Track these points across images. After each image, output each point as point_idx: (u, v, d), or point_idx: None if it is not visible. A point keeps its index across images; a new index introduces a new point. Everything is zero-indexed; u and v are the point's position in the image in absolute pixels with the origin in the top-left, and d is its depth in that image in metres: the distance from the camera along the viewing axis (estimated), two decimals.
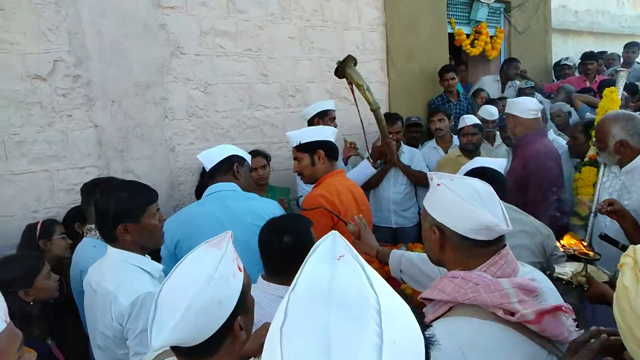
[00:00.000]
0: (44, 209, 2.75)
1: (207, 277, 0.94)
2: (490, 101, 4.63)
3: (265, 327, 1.29)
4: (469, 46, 5.45)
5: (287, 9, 3.76)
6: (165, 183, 3.19)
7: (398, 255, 1.89)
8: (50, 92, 2.75)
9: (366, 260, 0.69)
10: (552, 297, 1.26)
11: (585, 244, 1.84)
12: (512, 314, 1.11)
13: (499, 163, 2.13)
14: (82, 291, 1.81)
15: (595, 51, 6.78)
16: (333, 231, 0.72)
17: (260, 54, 3.64)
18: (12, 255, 2.15)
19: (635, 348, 0.88)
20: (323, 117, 3.34)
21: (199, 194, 2.98)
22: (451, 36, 5.29)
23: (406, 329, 0.62)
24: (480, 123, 3.84)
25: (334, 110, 3.48)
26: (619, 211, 2.28)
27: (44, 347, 1.89)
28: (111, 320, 1.56)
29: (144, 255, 1.71)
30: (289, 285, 0.66)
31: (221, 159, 2.20)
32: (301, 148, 2.32)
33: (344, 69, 3.13)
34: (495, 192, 1.23)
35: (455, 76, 4.74)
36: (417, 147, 4.22)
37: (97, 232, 2.04)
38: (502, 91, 5.53)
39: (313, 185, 2.39)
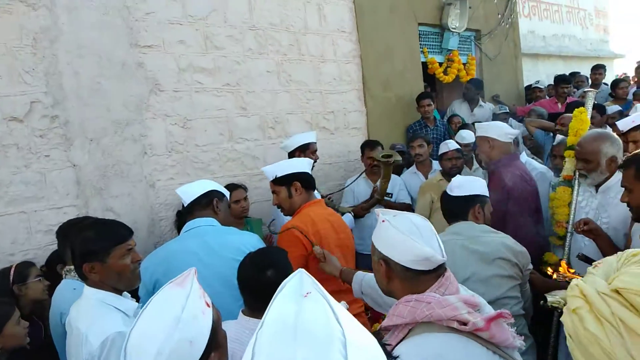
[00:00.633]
0: (20, 252, 2.70)
1: (174, 318, 0.93)
2: (464, 126, 4.77)
3: None
4: (442, 74, 5.61)
5: (264, 44, 3.85)
6: (145, 220, 3.17)
7: (359, 277, 1.99)
8: (27, 133, 2.74)
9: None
10: (489, 310, 1.39)
11: (572, 271, 1.87)
12: (465, 324, 1.22)
13: (480, 182, 2.24)
14: (62, 334, 1.77)
15: (567, 73, 7.03)
16: (300, 269, 0.73)
17: (239, 88, 3.70)
18: None
19: None
20: (304, 151, 3.37)
21: (180, 229, 2.96)
22: (425, 64, 5.45)
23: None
24: (461, 148, 3.93)
25: (315, 143, 3.53)
26: (594, 230, 2.34)
27: None
28: None
29: (121, 295, 1.68)
30: None
31: (200, 194, 2.20)
32: (278, 181, 2.36)
33: (388, 164, 3.40)
34: (432, 227, 1.37)
35: (432, 103, 4.88)
36: (400, 174, 4.29)
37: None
38: (472, 110, 5.71)
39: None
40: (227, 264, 1.93)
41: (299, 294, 0.67)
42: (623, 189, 2.05)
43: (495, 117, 5.31)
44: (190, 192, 2.23)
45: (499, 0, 6.27)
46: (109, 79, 3.03)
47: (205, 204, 2.18)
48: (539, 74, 8.07)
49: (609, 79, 7.71)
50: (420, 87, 5.21)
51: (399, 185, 4.07)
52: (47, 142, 2.81)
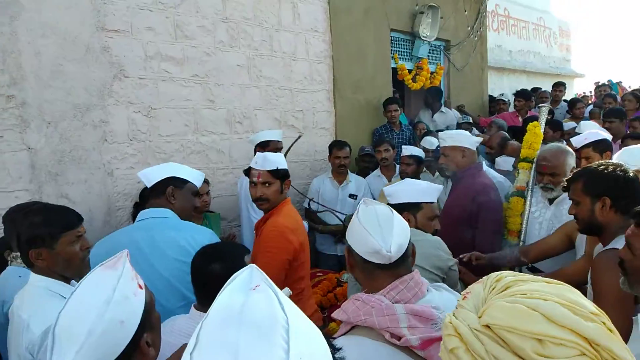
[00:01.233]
0: None
1: (105, 299, 0.94)
2: (428, 132, 4.93)
3: (183, 348, 1.27)
4: (411, 81, 5.72)
5: (236, 38, 3.81)
6: (102, 208, 3.08)
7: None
8: None
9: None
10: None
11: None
12: (400, 338, 1.18)
13: (415, 188, 2.22)
14: (4, 324, 1.69)
15: (529, 88, 7.33)
16: (251, 264, 0.73)
17: (208, 80, 3.65)
18: None
19: None
20: (264, 148, 3.35)
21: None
22: (395, 70, 5.54)
23: (313, 346, 0.65)
24: (416, 154, 4.00)
25: (280, 141, 3.53)
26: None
27: None
28: (24, 350, 1.47)
29: (69, 283, 1.64)
30: None
31: (158, 179, 2.03)
32: (276, 173, 2.26)
33: None
34: (397, 221, 1.31)
35: (398, 108, 4.97)
36: (366, 177, 4.35)
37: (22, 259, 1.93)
38: (432, 116, 5.88)
39: (263, 213, 2.36)
40: (170, 264, 1.84)
41: (247, 287, 0.68)
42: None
43: (459, 126, 5.47)
44: (150, 176, 2.05)
45: (470, 13, 6.44)
46: (71, 61, 2.93)
47: (161, 192, 2.02)
48: (504, 87, 8.35)
49: (569, 96, 8.06)
50: (389, 92, 5.29)
51: (363, 187, 4.12)
52: (1, 122, 2.69)
